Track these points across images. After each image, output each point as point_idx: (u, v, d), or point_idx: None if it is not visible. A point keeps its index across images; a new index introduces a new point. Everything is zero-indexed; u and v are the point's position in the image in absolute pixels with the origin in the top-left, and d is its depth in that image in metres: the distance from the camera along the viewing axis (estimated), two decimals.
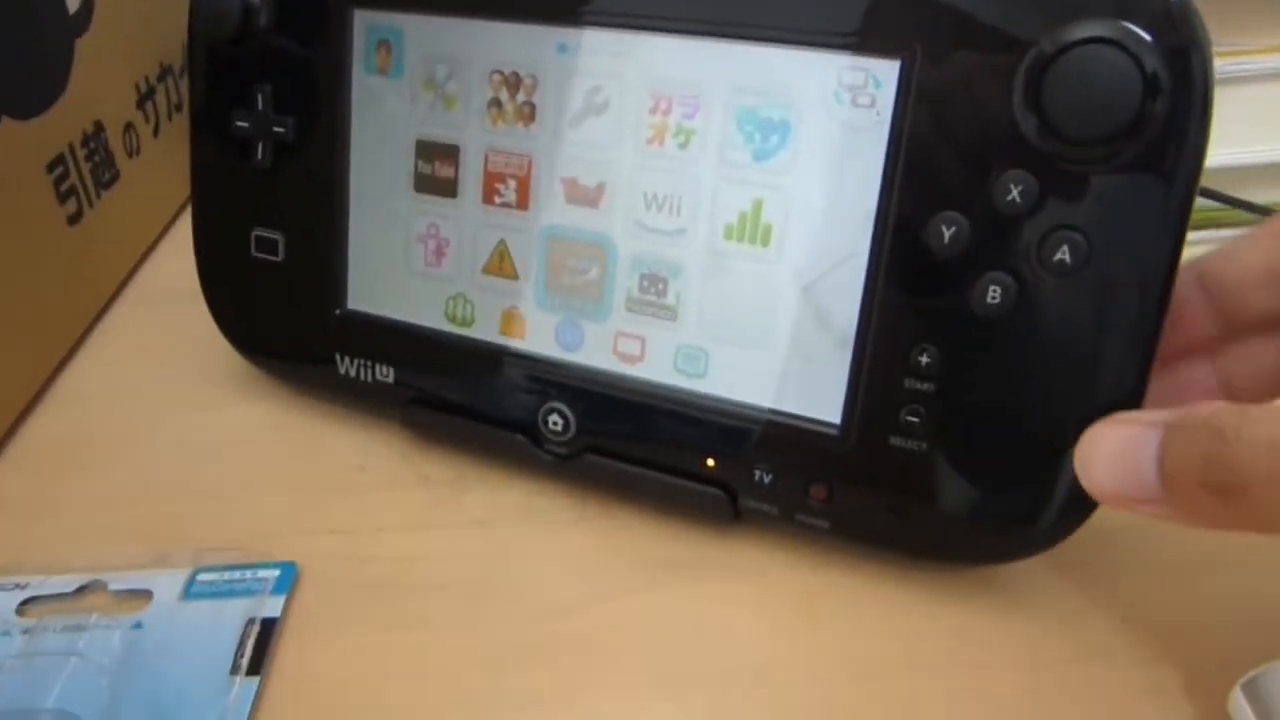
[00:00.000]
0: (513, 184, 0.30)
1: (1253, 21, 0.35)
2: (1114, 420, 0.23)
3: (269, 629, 0.28)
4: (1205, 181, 0.35)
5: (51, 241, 0.38)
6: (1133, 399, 0.25)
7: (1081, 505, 0.26)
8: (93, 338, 0.41)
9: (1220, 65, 0.33)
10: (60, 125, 0.39)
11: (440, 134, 0.31)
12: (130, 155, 0.45)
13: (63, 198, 0.39)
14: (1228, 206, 0.35)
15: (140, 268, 0.46)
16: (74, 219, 0.40)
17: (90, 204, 0.41)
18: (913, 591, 0.29)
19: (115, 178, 0.43)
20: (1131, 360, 0.25)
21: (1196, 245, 0.38)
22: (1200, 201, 0.35)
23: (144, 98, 0.46)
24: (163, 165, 0.47)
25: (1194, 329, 0.26)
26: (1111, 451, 0.23)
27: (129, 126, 0.45)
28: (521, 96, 0.30)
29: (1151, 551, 0.30)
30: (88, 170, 0.41)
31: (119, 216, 0.43)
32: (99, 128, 0.42)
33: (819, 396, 0.28)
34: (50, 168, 0.38)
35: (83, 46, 0.41)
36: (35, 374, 0.37)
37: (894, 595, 0.29)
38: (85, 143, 0.41)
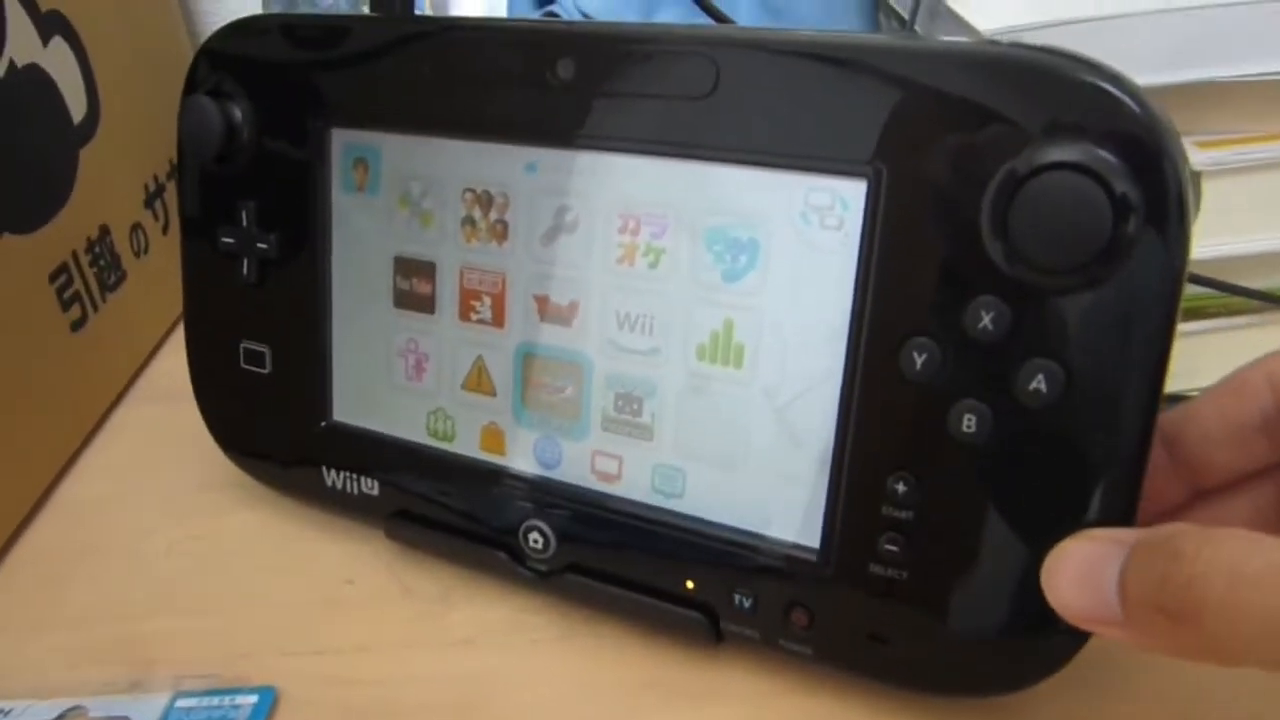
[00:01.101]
0: (488, 301, 0.30)
1: (1253, 109, 0.34)
2: (1082, 536, 0.22)
3: None
4: (1209, 270, 0.34)
5: (54, 350, 0.39)
6: (1123, 523, 0.23)
7: (1072, 637, 0.24)
8: (98, 438, 0.42)
9: (1221, 154, 0.32)
10: (63, 234, 0.39)
11: (417, 250, 0.31)
12: (138, 255, 0.45)
13: (66, 305, 0.40)
14: (1230, 294, 0.34)
15: (150, 362, 0.46)
16: (77, 325, 0.40)
17: (95, 308, 0.41)
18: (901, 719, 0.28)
19: (122, 279, 0.44)
20: (1119, 486, 0.24)
21: (1201, 335, 0.37)
22: (1202, 290, 0.34)
23: (152, 197, 0.47)
24: (171, 261, 0.46)
25: (1162, 492, 0.25)
26: (1075, 568, 0.22)
27: (136, 226, 0.45)
28: (494, 214, 0.29)
29: (1144, 677, 0.28)
30: (92, 275, 0.41)
31: (125, 317, 0.44)
32: (105, 231, 0.43)
33: (798, 520, 0.27)
34: (53, 277, 0.39)
35: (88, 154, 0.41)
36: (35, 484, 0.38)
37: None
38: (90, 248, 0.41)
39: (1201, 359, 0.37)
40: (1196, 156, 0.33)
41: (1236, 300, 0.35)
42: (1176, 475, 0.25)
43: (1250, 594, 0.18)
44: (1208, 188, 0.34)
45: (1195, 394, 0.28)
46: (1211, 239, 0.34)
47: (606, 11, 0.48)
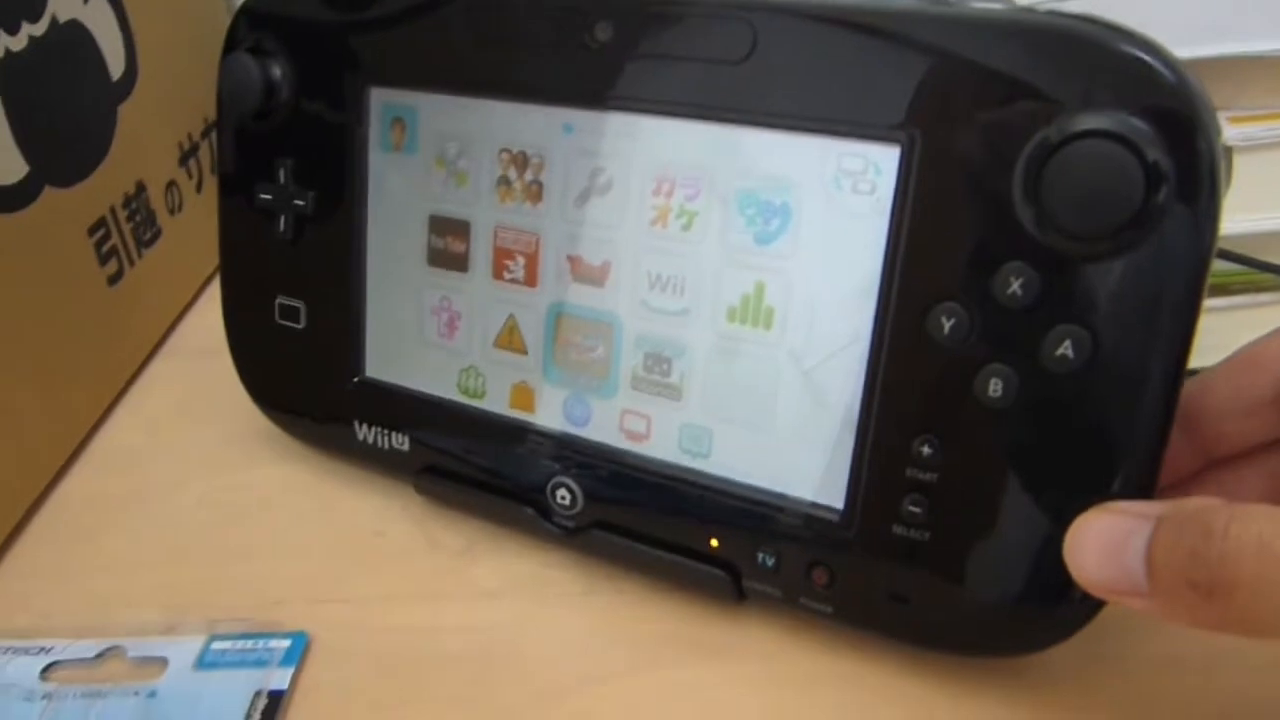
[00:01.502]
0: (521, 260, 0.30)
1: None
2: (1105, 509, 0.23)
3: (276, 702, 0.28)
4: (1237, 246, 0.34)
5: (91, 303, 0.39)
6: (1143, 496, 0.24)
7: (1089, 603, 0.25)
8: (132, 391, 0.43)
9: (1253, 129, 0.32)
10: (102, 189, 0.40)
11: (452, 209, 0.31)
12: (172, 213, 0.46)
13: (104, 259, 0.40)
14: (1257, 270, 0.34)
15: (183, 318, 0.47)
16: (114, 279, 0.41)
17: (131, 263, 0.42)
18: (919, 679, 0.28)
19: (157, 235, 0.44)
20: (1141, 454, 0.24)
21: (1227, 310, 0.37)
22: (1229, 266, 0.34)
23: (186, 155, 0.47)
24: (205, 220, 0.48)
25: (1174, 461, 0.25)
26: (1099, 540, 0.22)
27: (171, 184, 0.46)
28: (529, 175, 0.30)
29: (1165, 644, 0.29)
30: (129, 230, 0.42)
31: (160, 273, 0.44)
32: (141, 188, 0.43)
33: (822, 481, 0.27)
34: (91, 231, 0.39)
35: (126, 111, 0.42)
36: (73, 433, 0.38)
37: (900, 683, 0.28)
38: (127, 204, 0.42)
39: (1227, 335, 0.37)
40: (1228, 131, 0.33)
41: (1264, 277, 0.35)
42: (1189, 445, 0.26)
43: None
44: (1239, 163, 0.33)
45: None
46: (1240, 215, 0.34)
47: None
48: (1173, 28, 0.32)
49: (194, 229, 0.47)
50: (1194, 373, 0.36)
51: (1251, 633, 0.20)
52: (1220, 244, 0.35)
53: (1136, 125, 0.22)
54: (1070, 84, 0.23)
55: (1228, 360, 0.26)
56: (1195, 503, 0.21)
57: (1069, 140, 0.23)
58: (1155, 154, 0.22)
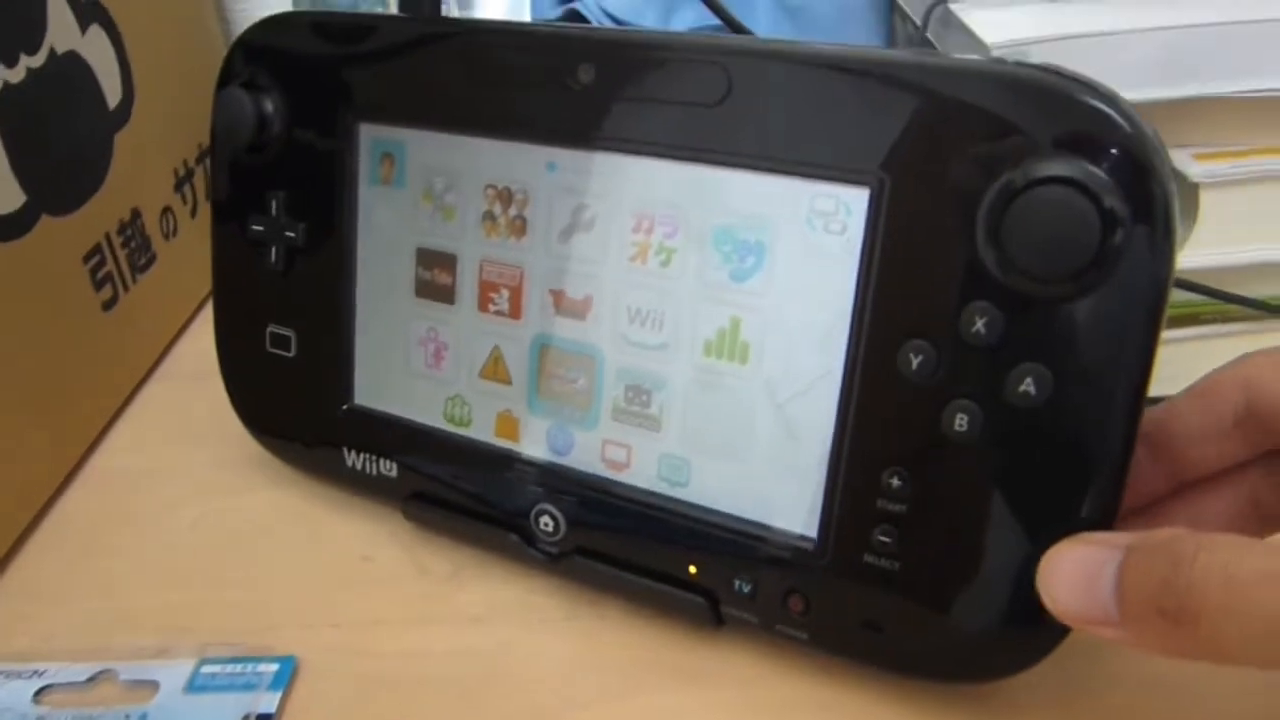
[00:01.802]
0: (506, 293, 0.31)
1: (1248, 124, 0.35)
2: (1077, 540, 0.23)
3: None
4: (1205, 279, 0.35)
5: (86, 328, 0.40)
6: (1104, 524, 0.25)
7: (1053, 629, 0.26)
8: (127, 414, 0.43)
9: (1217, 167, 0.33)
10: (98, 217, 0.41)
11: (439, 243, 0.32)
12: (167, 238, 0.47)
13: (99, 285, 0.41)
14: (1225, 303, 0.35)
15: (177, 341, 0.48)
16: (109, 304, 0.42)
17: (126, 288, 0.43)
18: (896, 706, 0.29)
19: (152, 260, 0.45)
20: (1102, 484, 0.25)
21: (1197, 340, 0.38)
22: (1198, 298, 0.35)
23: (182, 181, 0.48)
24: (198, 245, 0.48)
25: (1143, 485, 0.26)
26: (1071, 571, 0.23)
27: (166, 210, 0.47)
28: (514, 210, 0.31)
29: (1138, 666, 0.29)
30: (124, 256, 0.43)
31: (155, 297, 0.45)
32: (136, 214, 0.44)
33: (797, 511, 0.28)
34: (87, 258, 0.40)
35: (122, 139, 0.43)
36: (68, 456, 0.39)
37: (877, 710, 0.29)
38: (122, 230, 0.43)
39: (1196, 364, 0.38)
40: (1193, 168, 0.34)
41: (1232, 308, 0.36)
42: (1159, 469, 0.26)
43: (1245, 598, 0.19)
44: (1204, 199, 0.35)
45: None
46: (1208, 248, 0.35)
47: (627, 9, 0.49)
48: (1137, 70, 0.33)
49: (188, 253, 0.48)
50: (1160, 400, 0.37)
51: (1219, 659, 0.20)
52: (1190, 276, 0.36)
53: (1094, 173, 0.23)
54: (1032, 132, 0.24)
55: (1193, 387, 0.27)
56: (1164, 533, 0.22)
57: (1030, 186, 0.23)
58: (1112, 200, 0.23)
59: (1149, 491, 0.27)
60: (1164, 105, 0.33)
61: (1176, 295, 0.36)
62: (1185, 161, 0.34)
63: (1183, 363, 0.38)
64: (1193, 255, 0.35)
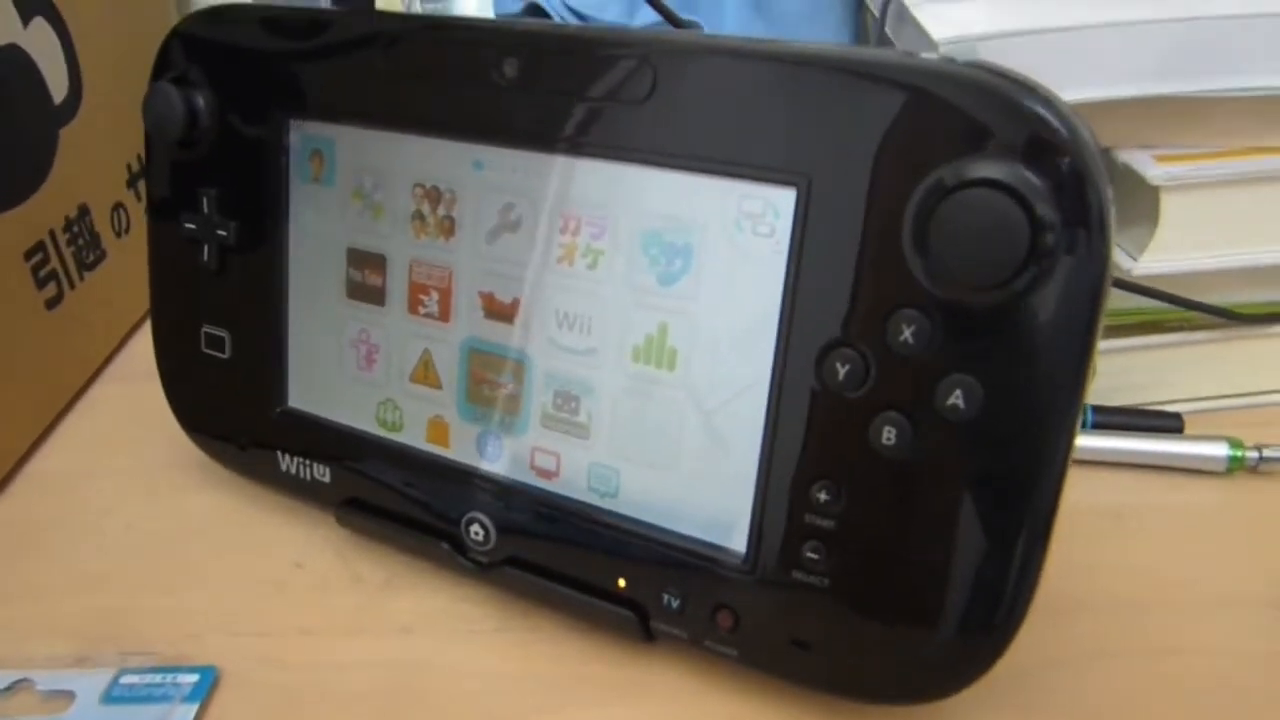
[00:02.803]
0: (435, 295, 0.30)
1: (1213, 125, 0.33)
2: None
3: None
4: (1168, 285, 0.34)
5: (27, 327, 0.39)
6: (1040, 539, 0.24)
7: (986, 650, 0.25)
8: (71, 414, 0.43)
9: (1178, 169, 0.32)
10: (40, 212, 0.40)
11: (369, 242, 0.31)
12: (119, 235, 0.46)
13: (41, 283, 0.40)
14: (1187, 309, 0.34)
15: (128, 340, 0.47)
16: (53, 303, 0.41)
17: (72, 286, 0.42)
18: None
19: (101, 258, 0.44)
20: (1036, 500, 0.24)
21: (1160, 348, 0.37)
22: (1161, 305, 0.34)
23: (135, 177, 0.47)
24: None
25: None
26: None
27: (118, 206, 0.46)
28: (442, 210, 0.30)
29: (1075, 693, 0.28)
30: (70, 254, 0.42)
31: (104, 296, 0.44)
32: (84, 210, 0.43)
33: (726, 524, 0.27)
34: (28, 255, 0.39)
35: (68, 134, 0.42)
36: (5, 458, 0.38)
37: None
38: (68, 227, 0.42)
39: (1162, 372, 0.37)
40: (1153, 170, 0.33)
41: (1195, 315, 0.35)
42: None
43: None
44: (1165, 202, 0.33)
45: (1159, 406, 0.27)
46: (1169, 254, 0.34)
47: (590, 4, 0.48)
48: (1099, 68, 0.32)
49: (142, 251, 0.47)
50: (1138, 412, 0.36)
51: None
52: (1150, 283, 0.35)
53: (1026, 176, 0.22)
54: (963, 133, 0.23)
55: None
56: None
57: (957, 189, 0.22)
58: (1043, 206, 0.22)
59: None
60: (1122, 104, 0.32)
61: (1138, 302, 0.35)
62: (1145, 163, 0.33)
63: (1146, 372, 0.37)
64: (1154, 261, 0.34)
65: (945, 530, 0.24)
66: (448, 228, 0.30)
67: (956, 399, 0.23)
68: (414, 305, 0.31)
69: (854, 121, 0.24)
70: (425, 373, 0.31)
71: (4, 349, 0.38)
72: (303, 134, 0.32)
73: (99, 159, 0.45)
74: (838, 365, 0.25)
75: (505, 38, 0.28)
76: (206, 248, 0.34)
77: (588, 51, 0.26)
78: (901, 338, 0.24)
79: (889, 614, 0.26)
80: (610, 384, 0.28)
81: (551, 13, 0.48)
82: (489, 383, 0.30)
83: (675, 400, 0.27)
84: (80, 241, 0.43)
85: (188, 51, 0.33)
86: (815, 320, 0.25)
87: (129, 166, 0.47)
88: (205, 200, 0.33)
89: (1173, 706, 0.28)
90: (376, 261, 0.31)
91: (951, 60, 0.24)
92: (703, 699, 0.29)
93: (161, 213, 0.35)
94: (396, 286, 0.31)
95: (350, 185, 0.31)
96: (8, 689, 0.30)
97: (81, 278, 0.43)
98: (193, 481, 0.38)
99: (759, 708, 0.29)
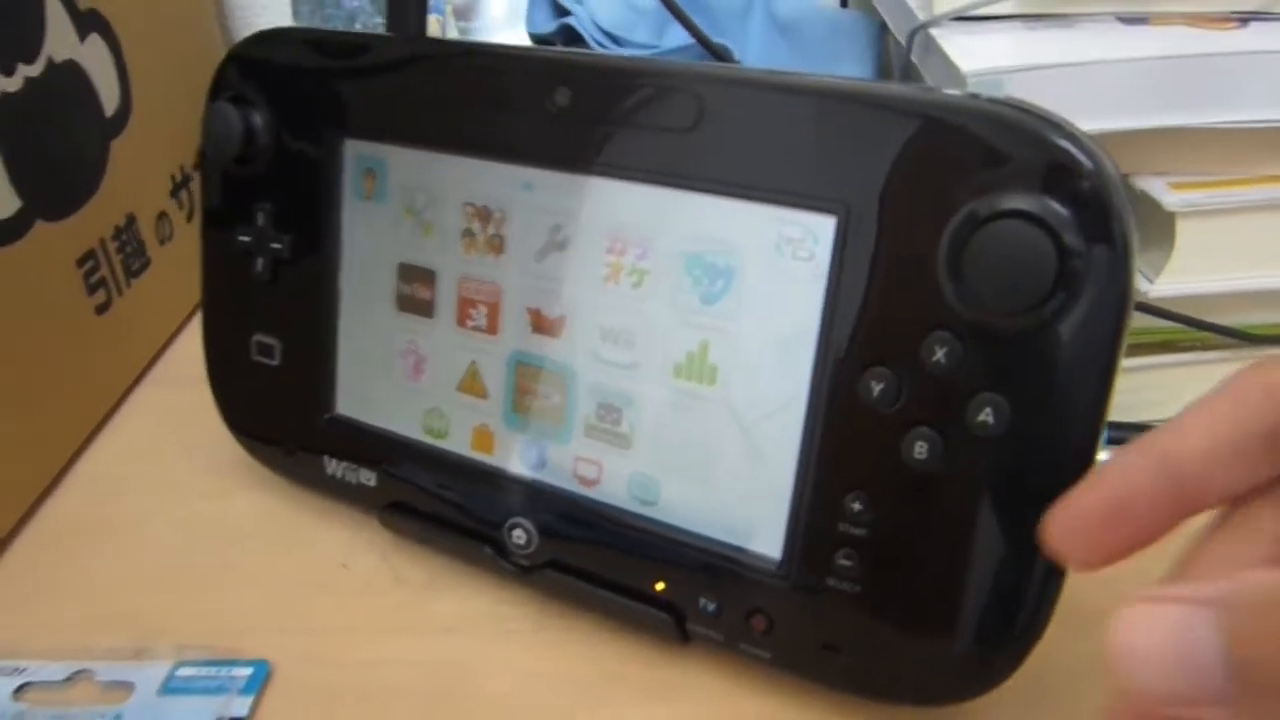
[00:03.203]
0: (484, 309, 0.32)
1: (1224, 154, 0.35)
2: (1153, 597, 0.18)
3: None
4: (1181, 307, 0.36)
5: (78, 332, 0.41)
6: None
7: (1007, 657, 0.26)
8: (117, 417, 0.44)
9: (1193, 196, 0.34)
10: (93, 222, 0.42)
11: (419, 258, 0.33)
12: (162, 243, 0.47)
13: (92, 289, 0.42)
14: (1202, 330, 0.35)
15: (170, 346, 0.49)
16: (102, 308, 0.42)
17: (120, 293, 0.44)
18: None
19: (146, 265, 0.46)
20: None
21: (1173, 367, 0.38)
22: (1174, 325, 0.36)
23: (178, 186, 0.49)
24: (193, 250, 0.48)
25: (1160, 520, 0.21)
26: (1160, 638, 0.17)
27: (162, 215, 0.47)
28: (491, 229, 0.31)
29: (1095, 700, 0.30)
30: (118, 261, 0.43)
31: (148, 302, 0.46)
32: (131, 219, 0.45)
33: (762, 531, 0.28)
34: (80, 262, 0.41)
35: (118, 146, 0.43)
36: (55, 459, 0.40)
37: None
38: (117, 235, 0.43)
39: (1172, 390, 0.39)
40: (1168, 197, 0.34)
41: (1207, 336, 0.37)
42: (1173, 499, 0.21)
43: None
44: (1180, 227, 0.35)
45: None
46: (1184, 277, 0.35)
47: (620, 25, 0.49)
48: (1118, 100, 0.33)
49: (183, 259, 0.49)
50: (1141, 428, 0.38)
51: None
52: (1166, 304, 0.36)
53: (1054, 208, 0.23)
54: (993, 166, 0.24)
55: (1206, 399, 0.22)
56: (1267, 575, 0.17)
57: (989, 220, 0.24)
58: (1070, 236, 0.23)
59: (1166, 524, 0.22)
60: (1140, 135, 0.34)
61: (1152, 322, 0.37)
62: (1161, 190, 0.35)
63: (1158, 390, 0.39)
64: (1169, 283, 0.36)
65: (971, 540, 0.26)
66: (497, 245, 0.31)
67: (986, 416, 0.25)
68: (462, 319, 0.32)
69: (892, 153, 0.25)
70: (472, 383, 0.33)
71: (57, 353, 0.39)
72: (357, 153, 0.33)
73: (146, 170, 0.46)
74: (873, 383, 0.26)
75: (558, 67, 0.29)
76: (260, 260, 0.35)
77: (637, 82, 0.28)
78: (935, 358, 0.25)
79: (916, 619, 0.27)
80: (652, 397, 0.30)
81: (583, 32, 0.49)
82: (534, 394, 0.31)
83: (715, 414, 0.29)
84: (128, 249, 0.44)
85: (245, 73, 0.35)
86: (851, 340, 0.26)
87: (172, 177, 0.48)
88: (260, 214, 0.35)
89: None
90: (426, 276, 0.33)
91: (983, 97, 0.25)
92: (735, 699, 0.30)
93: (216, 226, 0.36)
94: (445, 300, 0.32)
95: (402, 203, 0.33)
96: (68, 679, 0.31)
97: (128, 284, 0.44)
98: (236, 484, 0.39)
99: (790, 708, 0.30)
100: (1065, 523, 0.22)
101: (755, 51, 0.49)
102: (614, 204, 0.29)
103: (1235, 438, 0.21)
